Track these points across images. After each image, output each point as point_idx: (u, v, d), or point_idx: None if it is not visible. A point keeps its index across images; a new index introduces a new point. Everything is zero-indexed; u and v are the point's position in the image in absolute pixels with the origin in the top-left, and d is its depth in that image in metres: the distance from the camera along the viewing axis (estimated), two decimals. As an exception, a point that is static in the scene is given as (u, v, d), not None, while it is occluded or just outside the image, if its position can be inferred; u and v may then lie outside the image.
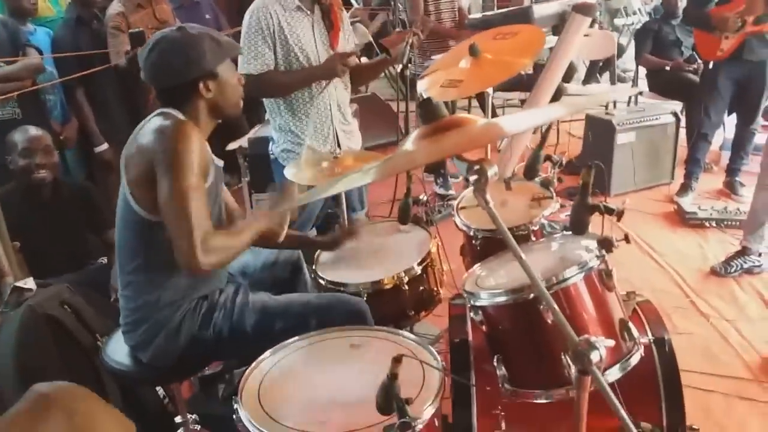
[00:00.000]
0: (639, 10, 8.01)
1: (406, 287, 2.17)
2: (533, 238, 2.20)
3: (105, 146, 3.84)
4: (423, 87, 2.18)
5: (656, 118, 4.46)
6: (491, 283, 1.76)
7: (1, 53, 3.27)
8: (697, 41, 4.43)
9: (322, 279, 2.24)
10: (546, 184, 2.35)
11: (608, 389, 0.99)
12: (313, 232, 2.91)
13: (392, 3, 6.06)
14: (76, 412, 1.08)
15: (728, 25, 3.90)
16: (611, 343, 1.28)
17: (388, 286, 2.16)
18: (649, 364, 1.70)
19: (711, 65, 4.20)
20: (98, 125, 3.83)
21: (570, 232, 1.82)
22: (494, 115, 4.64)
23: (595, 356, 1.02)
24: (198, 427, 2.24)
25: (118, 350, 1.99)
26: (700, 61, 4.66)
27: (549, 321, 1.48)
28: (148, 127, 1.78)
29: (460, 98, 4.99)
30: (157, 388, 2.35)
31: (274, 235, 1.97)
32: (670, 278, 3.42)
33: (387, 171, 1.23)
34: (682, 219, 4.05)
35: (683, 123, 4.63)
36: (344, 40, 2.79)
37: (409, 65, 2.78)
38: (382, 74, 5.61)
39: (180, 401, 2.22)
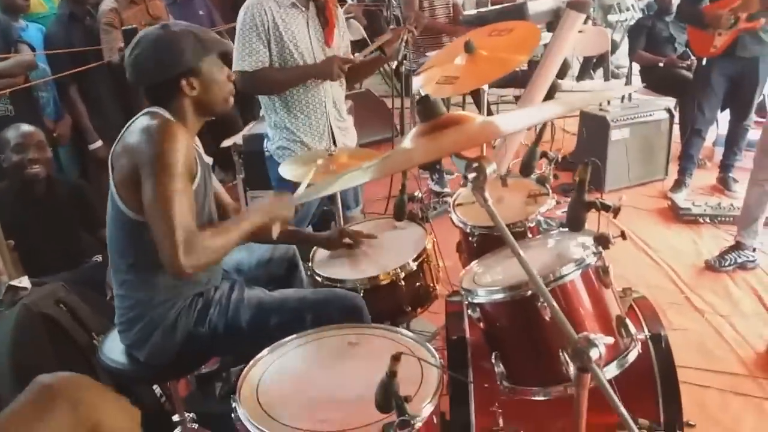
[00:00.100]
0: (632, 6, 8.03)
1: (403, 283, 2.17)
2: (529, 235, 2.20)
3: (99, 143, 3.82)
4: (419, 84, 2.19)
5: (650, 115, 4.47)
6: (488, 280, 1.76)
7: (-8, 50, 3.26)
8: (691, 38, 4.44)
9: (319, 276, 2.23)
10: (542, 180, 2.36)
11: (608, 387, 0.99)
12: (308, 230, 2.90)
13: (386, -1, 6.07)
14: (80, 401, 1.09)
15: (721, 21, 3.91)
16: (610, 340, 1.28)
17: (384, 282, 2.15)
18: (645, 361, 1.70)
19: (704, 62, 4.21)
20: (92, 122, 3.82)
21: (566, 229, 1.83)
22: (489, 112, 4.65)
23: (594, 353, 1.02)
24: (195, 425, 2.24)
25: (114, 349, 1.98)
26: (693, 57, 4.68)
27: (547, 318, 1.48)
28: (135, 127, 1.77)
29: (455, 95, 4.99)
30: (154, 387, 2.34)
31: (267, 231, 1.97)
32: (664, 274, 3.43)
33: (386, 169, 1.23)
34: (676, 215, 4.07)
35: (677, 119, 4.65)
36: (339, 37, 2.79)
37: (404, 62, 2.78)
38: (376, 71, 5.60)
39: (177, 399, 2.21)
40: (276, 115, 2.75)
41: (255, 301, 1.96)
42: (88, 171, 3.94)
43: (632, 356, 1.54)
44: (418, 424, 1.34)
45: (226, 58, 1.92)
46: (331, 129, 2.78)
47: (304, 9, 2.65)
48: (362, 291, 2.11)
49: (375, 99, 5.46)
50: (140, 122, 1.77)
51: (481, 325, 1.68)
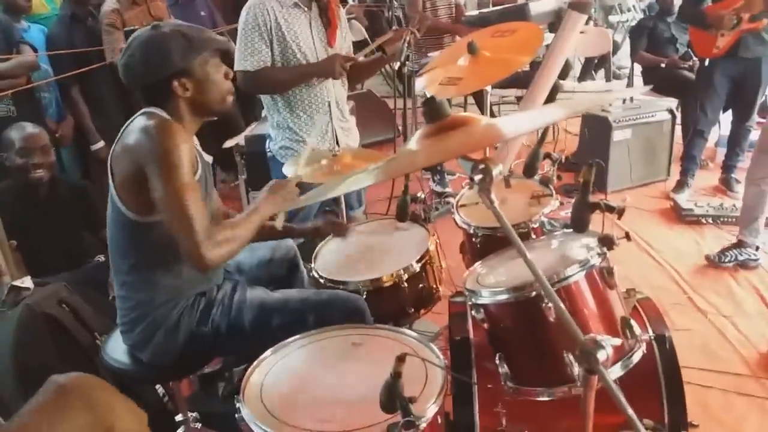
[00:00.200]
0: (633, 7, 8.02)
1: (406, 285, 2.16)
2: (533, 236, 2.20)
3: (101, 144, 3.82)
4: (422, 85, 2.18)
5: (652, 115, 4.47)
6: (492, 281, 1.76)
7: (-5, 51, 3.26)
8: (693, 38, 4.45)
9: (321, 277, 2.23)
10: (545, 181, 2.36)
11: (615, 388, 0.99)
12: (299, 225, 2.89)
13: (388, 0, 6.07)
14: (96, 402, 1.10)
15: (724, 22, 3.91)
16: (618, 342, 1.28)
17: (387, 284, 2.15)
18: (650, 361, 1.70)
19: (707, 62, 4.21)
20: (94, 123, 3.82)
21: (570, 230, 1.83)
22: (491, 112, 4.65)
23: (602, 355, 1.02)
24: (198, 425, 2.24)
25: (117, 349, 1.98)
26: (695, 58, 4.68)
27: (551, 319, 1.48)
28: (133, 127, 1.75)
29: (458, 96, 4.99)
30: (157, 387, 2.34)
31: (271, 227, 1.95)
32: (667, 275, 3.43)
33: (392, 171, 1.23)
34: (679, 216, 4.06)
35: (679, 120, 4.64)
36: (341, 38, 2.79)
37: (407, 62, 2.77)
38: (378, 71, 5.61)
39: (180, 399, 2.21)
40: (279, 115, 2.75)
41: (257, 301, 1.96)
42: (90, 172, 3.93)
43: (637, 357, 1.55)
44: (423, 425, 1.34)
45: (227, 57, 1.90)
46: (335, 129, 2.77)
47: (306, 9, 2.65)
48: (365, 293, 2.11)
49: (377, 100, 5.46)
50: (138, 123, 1.76)
51: (485, 325, 1.67)
